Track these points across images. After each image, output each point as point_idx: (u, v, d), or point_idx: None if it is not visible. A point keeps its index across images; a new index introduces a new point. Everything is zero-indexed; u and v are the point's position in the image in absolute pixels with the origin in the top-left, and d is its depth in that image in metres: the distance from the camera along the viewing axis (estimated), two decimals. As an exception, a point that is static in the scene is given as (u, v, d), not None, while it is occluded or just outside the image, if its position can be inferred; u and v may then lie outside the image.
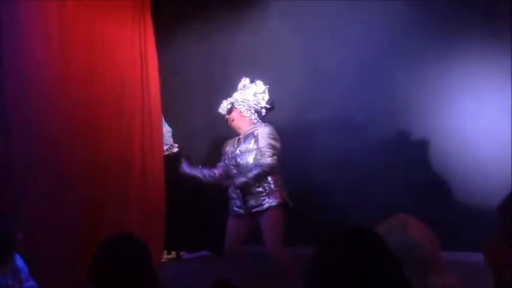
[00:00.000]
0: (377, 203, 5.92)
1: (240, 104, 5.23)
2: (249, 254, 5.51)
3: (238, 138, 5.22)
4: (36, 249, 4.71)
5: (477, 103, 5.95)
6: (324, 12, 6.56)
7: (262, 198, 4.97)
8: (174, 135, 6.82)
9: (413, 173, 6.14)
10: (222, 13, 7.04)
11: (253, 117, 5.22)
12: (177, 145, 6.80)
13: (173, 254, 6.71)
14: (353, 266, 1.53)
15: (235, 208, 5.14)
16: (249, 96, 5.26)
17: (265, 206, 4.96)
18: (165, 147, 6.64)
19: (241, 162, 5.06)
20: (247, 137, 5.13)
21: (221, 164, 5.34)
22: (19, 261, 4.19)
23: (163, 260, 6.38)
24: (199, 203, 6.81)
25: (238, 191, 5.02)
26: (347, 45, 6.43)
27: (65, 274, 5.03)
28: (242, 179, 4.93)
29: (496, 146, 5.79)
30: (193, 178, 5.48)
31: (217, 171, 5.36)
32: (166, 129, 6.72)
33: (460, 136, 5.98)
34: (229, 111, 5.25)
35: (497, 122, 5.80)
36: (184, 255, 6.71)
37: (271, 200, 4.97)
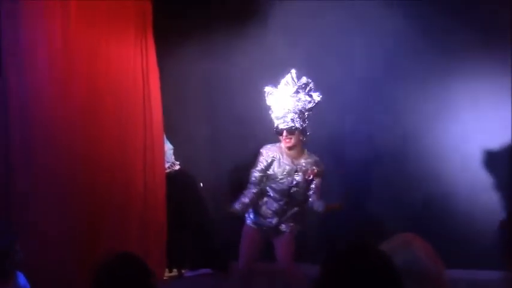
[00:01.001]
0: (377, 220, 5.94)
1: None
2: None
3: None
4: (37, 267, 4.69)
5: (478, 121, 5.98)
6: (325, 30, 6.60)
7: None
8: (175, 153, 6.82)
9: (415, 190, 6.15)
10: (222, 30, 7.08)
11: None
12: (178, 162, 6.80)
13: (175, 272, 6.67)
14: (359, 283, 1.55)
15: (264, 221, 5.04)
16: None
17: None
18: (167, 165, 6.64)
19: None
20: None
21: (254, 181, 5.07)
22: (21, 279, 4.17)
23: (164, 278, 6.35)
24: (201, 221, 6.80)
25: (276, 208, 4.97)
26: (348, 63, 6.47)
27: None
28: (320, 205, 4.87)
29: (496, 164, 5.81)
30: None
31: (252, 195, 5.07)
32: (168, 147, 6.72)
33: (462, 153, 5.99)
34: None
35: (498, 139, 5.83)
36: (186, 273, 6.68)
37: None
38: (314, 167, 4.92)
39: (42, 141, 5.17)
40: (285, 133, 4.94)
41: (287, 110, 4.97)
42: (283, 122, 4.95)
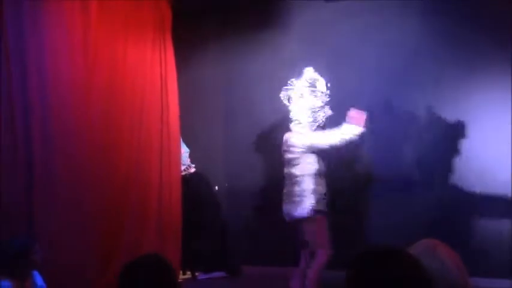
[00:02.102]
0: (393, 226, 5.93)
1: None
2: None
3: None
4: (54, 267, 4.72)
5: (497, 127, 5.95)
6: (339, 36, 6.61)
7: None
8: (191, 156, 6.85)
9: (432, 196, 6.14)
10: (241, 36, 7.11)
11: None
12: (194, 165, 6.83)
13: (188, 274, 6.69)
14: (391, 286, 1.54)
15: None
16: None
17: None
18: (183, 168, 6.67)
19: None
20: None
21: None
22: (38, 279, 4.21)
23: (178, 281, 6.36)
24: (215, 224, 6.82)
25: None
26: (364, 68, 6.46)
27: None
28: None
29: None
30: None
31: None
32: (184, 150, 6.76)
33: (481, 159, 5.98)
34: None
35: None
36: (200, 275, 6.69)
37: None
38: None
39: (62, 146, 5.19)
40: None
41: (303, 112, 5.16)
42: (297, 123, 5.18)
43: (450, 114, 6.17)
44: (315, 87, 5.22)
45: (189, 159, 6.83)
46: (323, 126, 5.20)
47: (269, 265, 6.63)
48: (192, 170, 6.84)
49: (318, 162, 5.07)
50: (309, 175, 5.03)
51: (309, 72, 5.31)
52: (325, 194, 5.05)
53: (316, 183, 5.02)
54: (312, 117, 5.15)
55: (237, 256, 6.80)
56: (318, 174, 5.05)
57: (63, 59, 5.23)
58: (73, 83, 5.30)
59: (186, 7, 6.82)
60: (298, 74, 5.36)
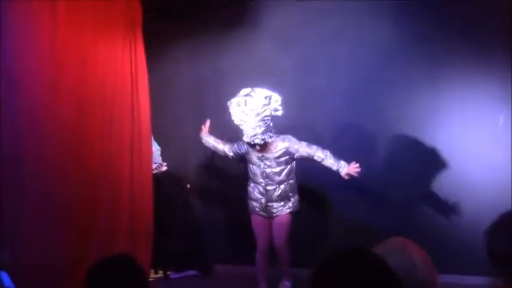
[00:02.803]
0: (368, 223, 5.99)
1: None
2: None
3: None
4: (23, 266, 4.66)
5: (466, 126, 6.04)
6: (314, 32, 6.63)
7: None
8: (163, 154, 6.82)
9: (403, 194, 6.20)
10: (211, 32, 7.08)
11: None
12: (165, 164, 6.80)
13: (160, 273, 6.66)
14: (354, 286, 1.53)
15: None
16: None
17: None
18: (154, 166, 6.64)
19: None
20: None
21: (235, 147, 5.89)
22: (6, 279, 4.14)
23: (150, 279, 6.33)
24: (187, 222, 6.80)
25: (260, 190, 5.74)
26: (336, 65, 6.49)
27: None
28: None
29: (487, 168, 5.88)
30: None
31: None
32: (155, 148, 6.72)
33: (450, 158, 6.06)
34: None
35: (488, 145, 5.89)
36: (172, 274, 6.66)
37: None
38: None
39: (31, 143, 5.15)
40: (257, 147, 5.54)
41: (253, 126, 5.36)
42: (251, 139, 5.40)
43: (422, 114, 6.24)
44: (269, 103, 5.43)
45: (160, 158, 6.79)
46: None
47: (241, 264, 6.63)
48: (164, 168, 6.80)
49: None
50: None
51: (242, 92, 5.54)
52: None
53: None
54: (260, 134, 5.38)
55: (209, 255, 6.79)
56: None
57: (29, 58, 5.17)
58: (40, 82, 5.25)
59: (156, 5, 6.76)
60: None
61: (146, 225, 6.24)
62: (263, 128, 5.33)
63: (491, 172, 5.88)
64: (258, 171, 5.62)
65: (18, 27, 5.11)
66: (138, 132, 6.34)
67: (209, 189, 7.17)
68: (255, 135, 5.34)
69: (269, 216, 5.70)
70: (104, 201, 5.92)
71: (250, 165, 5.71)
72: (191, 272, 6.69)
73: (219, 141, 6.06)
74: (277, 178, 5.57)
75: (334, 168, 5.44)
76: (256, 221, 5.79)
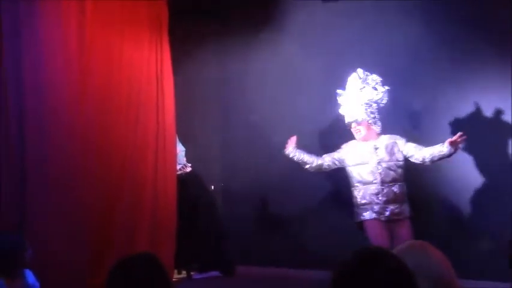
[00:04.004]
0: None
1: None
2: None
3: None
4: (47, 266, 4.71)
5: (490, 127, 5.94)
6: (339, 36, 6.59)
7: None
8: (187, 155, 6.84)
9: (427, 198, 6.11)
10: (237, 34, 7.10)
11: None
12: (190, 165, 6.81)
13: (183, 274, 6.67)
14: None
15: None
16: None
17: None
18: (178, 167, 6.65)
19: None
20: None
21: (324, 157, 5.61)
22: (30, 277, 4.19)
23: (173, 280, 6.34)
24: (211, 223, 6.80)
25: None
26: (363, 66, 6.40)
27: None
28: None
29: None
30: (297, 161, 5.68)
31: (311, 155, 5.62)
32: (180, 149, 6.74)
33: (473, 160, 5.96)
34: None
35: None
36: (195, 275, 6.67)
37: None
38: None
39: (57, 142, 5.20)
40: (353, 125, 5.38)
41: (353, 104, 5.35)
42: (350, 116, 5.37)
43: (449, 114, 6.15)
44: (364, 86, 5.43)
45: (185, 158, 6.81)
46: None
47: (263, 265, 6.63)
48: (188, 169, 6.81)
49: None
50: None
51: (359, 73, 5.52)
52: None
53: None
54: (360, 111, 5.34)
55: (231, 256, 6.79)
56: None
57: (58, 58, 5.25)
58: (68, 82, 5.31)
59: (183, 6, 6.79)
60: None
61: (169, 225, 6.25)
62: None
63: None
64: (369, 168, 5.28)
65: (46, 26, 5.20)
66: (163, 132, 6.37)
67: (233, 191, 7.17)
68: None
69: (388, 220, 5.24)
70: (127, 201, 5.94)
71: (357, 166, 5.36)
72: (214, 273, 6.69)
73: (311, 155, 5.64)
74: (392, 173, 5.26)
75: (442, 150, 5.11)
76: (374, 227, 5.24)
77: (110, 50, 5.85)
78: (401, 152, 5.29)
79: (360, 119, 5.30)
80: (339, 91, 5.51)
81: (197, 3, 7.11)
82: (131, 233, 5.88)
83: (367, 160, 5.29)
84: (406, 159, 5.32)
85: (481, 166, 5.94)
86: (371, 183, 5.25)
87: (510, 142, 5.82)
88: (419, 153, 5.22)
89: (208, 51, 7.38)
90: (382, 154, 5.27)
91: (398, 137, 5.38)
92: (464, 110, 6.06)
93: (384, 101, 5.41)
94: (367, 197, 5.25)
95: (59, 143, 5.22)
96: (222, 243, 6.78)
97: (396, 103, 6.29)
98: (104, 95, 5.74)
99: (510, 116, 5.80)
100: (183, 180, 6.67)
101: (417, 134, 6.16)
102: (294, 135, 5.74)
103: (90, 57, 5.56)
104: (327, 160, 5.53)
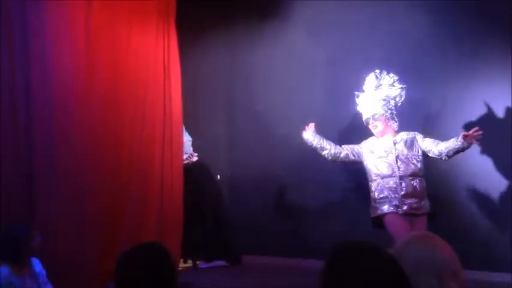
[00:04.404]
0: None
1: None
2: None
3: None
4: (55, 254, 4.74)
5: (497, 120, 5.91)
6: (345, 27, 6.57)
7: None
8: (194, 144, 6.85)
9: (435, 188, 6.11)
10: (244, 24, 7.09)
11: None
12: (196, 154, 6.83)
13: (189, 263, 6.71)
14: (362, 282, 1.57)
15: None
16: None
17: None
18: (185, 156, 6.67)
19: None
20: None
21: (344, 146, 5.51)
22: (37, 265, 4.24)
23: (179, 269, 6.38)
24: (217, 213, 6.82)
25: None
26: (369, 56, 6.41)
27: (83, 278, 5.08)
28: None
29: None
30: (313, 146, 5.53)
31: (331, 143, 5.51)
32: (187, 138, 6.76)
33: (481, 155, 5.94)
34: None
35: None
36: (201, 264, 6.71)
37: None
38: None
39: (65, 134, 5.24)
40: (370, 121, 5.32)
41: (370, 101, 5.33)
42: (367, 111, 5.33)
43: (456, 106, 6.12)
44: (381, 84, 5.39)
45: (191, 148, 6.82)
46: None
47: (270, 255, 6.65)
48: (195, 158, 6.83)
49: None
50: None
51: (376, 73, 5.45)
52: None
53: None
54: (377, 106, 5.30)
55: (238, 246, 6.81)
56: None
57: (65, 48, 5.28)
58: (75, 71, 5.35)
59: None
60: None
61: (176, 215, 6.28)
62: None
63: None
64: (388, 162, 5.20)
65: (54, 15, 5.22)
66: (170, 121, 6.38)
67: (239, 181, 7.18)
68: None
69: (406, 213, 5.12)
70: (134, 190, 5.97)
71: (376, 160, 5.28)
72: (220, 262, 6.72)
73: (330, 142, 5.52)
74: (412, 167, 5.17)
75: (457, 144, 5.01)
76: (394, 219, 5.12)
77: (117, 38, 5.86)
78: (420, 147, 5.24)
79: (377, 115, 5.27)
80: (357, 93, 5.48)
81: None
82: (139, 223, 5.91)
83: (386, 154, 5.24)
84: (425, 155, 5.28)
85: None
86: (390, 176, 5.18)
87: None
88: (436, 148, 5.14)
89: (214, 42, 7.37)
90: (401, 148, 5.22)
91: (416, 132, 5.34)
92: (473, 104, 6.03)
93: (402, 99, 5.38)
94: (385, 191, 5.17)
95: (66, 136, 5.25)
96: (228, 233, 6.81)
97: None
98: (111, 86, 5.76)
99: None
100: (190, 169, 6.69)
101: (428, 129, 6.17)
102: (312, 122, 5.66)
103: (97, 49, 5.59)
104: (345, 150, 5.46)
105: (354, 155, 5.44)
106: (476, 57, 5.97)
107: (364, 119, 5.38)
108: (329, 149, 5.46)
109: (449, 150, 5.08)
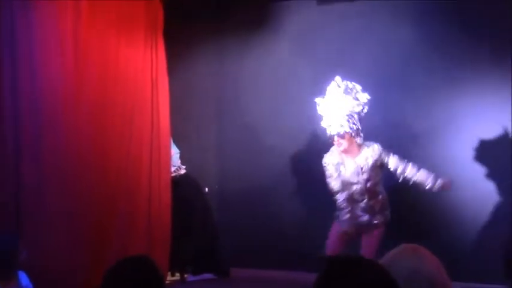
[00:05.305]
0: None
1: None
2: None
3: None
4: (42, 268, 4.70)
5: (484, 130, 5.95)
6: (333, 39, 6.60)
7: None
8: (182, 157, 6.83)
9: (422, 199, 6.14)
10: (232, 36, 7.10)
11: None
12: (184, 167, 6.81)
13: (177, 276, 6.67)
14: None
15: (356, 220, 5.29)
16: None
17: None
18: (173, 169, 6.65)
19: None
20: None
21: (337, 188, 5.32)
22: (24, 279, 4.18)
23: (167, 282, 6.34)
24: (205, 225, 6.80)
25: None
26: (356, 68, 6.44)
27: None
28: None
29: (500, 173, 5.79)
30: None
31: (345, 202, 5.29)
32: (174, 151, 6.73)
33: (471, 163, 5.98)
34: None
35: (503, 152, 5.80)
36: (189, 277, 6.67)
37: None
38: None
39: (51, 143, 5.20)
40: (335, 138, 5.16)
41: (335, 116, 5.15)
42: (332, 128, 5.15)
43: (441, 116, 6.16)
44: (345, 95, 5.22)
45: (179, 160, 6.80)
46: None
47: (258, 267, 6.63)
48: (183, 171, 6.81)
49: None
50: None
51: (337, 81, 5.31)
52: None
53: None
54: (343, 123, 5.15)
55: (226, 258, 6.79)
56: None
57: (53, 58, 5.25)
58: (63, 81, 5.32)
59: (178, 7, 6.79)
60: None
61: (163, 227, 6.24)
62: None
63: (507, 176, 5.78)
64: (354, 187, 5.18)
65: (42, 25, 5.20)
66: (157, 134, 6.36)
67: (227, 193, 7.17)
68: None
69: (358, 231, 5.23)
70: (121, 203, 5.93)
71: (341, 181, 5.21)
72: (208, 275, 6.69)
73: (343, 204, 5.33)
74: (372, 189, 5.19)
75: (427, 184, 5.09)
76: (337, 234, 5.30)
77: (106, 49, 5.83)
78: (385, 164, 5.21)
79: (342, 132, 5.13)
80: (317, 100, 5.32)
81: (192, 5, 7.12)
82: (126, 235, 5.87)
83: (354, 180, 5.18)
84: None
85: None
86: (351, 191, 5.18)
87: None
88: (400, 168, 5.16)
89: (202, 53, 7.37)
90: (368, 175, 5.16)
91: (379, 147, 5.23)
92: (459, 111, 6.08)
93: (365, 110, 5.24)
94: (346, 203, 5.20)
95: (54, 146, 5.21)
96: (216, 246, 6.78)
97: (388, 107, 6.34)
98: (98, 99, 5.71)
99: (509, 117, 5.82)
100: (177, 182, 6.67)
101: (410, 140, 6.21)
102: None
103: (85, 59, 5.55)
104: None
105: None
106: (463, 66, 6.04)
107: (328, 135, 5.24)
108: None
109: (414, 181, 5.14)
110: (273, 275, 6.50)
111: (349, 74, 6.40)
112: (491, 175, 5.90)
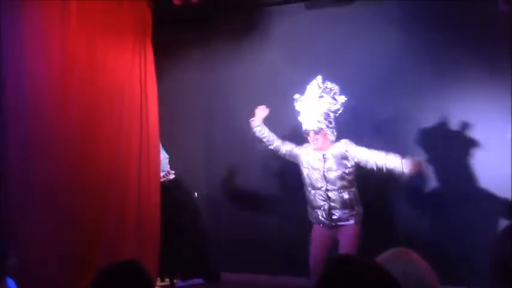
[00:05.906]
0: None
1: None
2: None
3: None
4: (30, 274, 4.67)
5: (474, 135, 5.99)
6: (324, 40, 6.62)
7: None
8: (171, 162, 6.82)
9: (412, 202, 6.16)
10: (221, 41, 7.10)
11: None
12: (173, 172, 6.80)
13: (167, 281, 6.65)
14: None
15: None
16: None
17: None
18: (162, 174, 6.64)
19: None
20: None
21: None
22: (12, 286, 4.15)
23: (156, 287, 6.32)
24: (194, 230, 6.79)
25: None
26: (345, 74, 6.46)
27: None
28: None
29: (496, 180, 5.81)
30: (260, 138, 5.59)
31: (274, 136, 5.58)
32: (164, 156, 6.73)
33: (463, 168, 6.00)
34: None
35: (497, 155, 5.82)
36: (178, 282, 6.65)
37: None
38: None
39: (39, 148, 5.18)
40: (311, 134, 5.29)
41: (312, 113, 5.28)
42: (309, 124, 5.28)
43: (430, 122, 6.19)
44: (323, 95, 5.33)
45: (168, 166, 6.80)
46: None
47: (248, 272, 6.62)
48: (172, 176, 6.81)
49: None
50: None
51: (318, 80, 5.43)
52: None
53: None
54: (320, 120, 5.27)
55: (215, 263, 6.78)
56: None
57: (40, 61, 5.24)
58: (50, 87, 5.30)
59: (167, 13, 6.78)
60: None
61: (153, 232, 6.22)
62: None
63: (502, 184, 5.80)
64: (317, 176, 5.28)
65: (29, 29, 5.18)
66: (147, 139, 6.34)
67: (216, 198, 7.16)
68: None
69: (332, 225, 5.28)
70: (111, 208, 5.91)
71: (308, 170, 5.36)
72: (197, 280, 6.68)
73: (274, 135, 5.60)
74: (339, 183, 5.24)
75: (397, 168, 5.12)
76: (317, 232, 5.40)
77: (93, 54, 5.81)
78: (353, 158, 5.27)
79: (317, 129, 5.26)
80: (296, 96, 5.45)
81: (180, 11, 7.10)
82: (115, 241, 5.84)
83: (316, 168, 5.31)
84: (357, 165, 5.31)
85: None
86: (319, 189, 5.28)
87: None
88: (372, 160, 5.21)
89: (191, 59, 7.37)
90: (330, 164, 5.25)
91: (347, 141, 5.34)
92: (448, 117, 6.11)
93: (340, 111, 5.35)
94: (316, 202, 5.30)
95: (41, 149, 5.19)
96: (206, 251, 6.78)
97: (377, 111, 6.36)
98: (87, 101, 5.70)
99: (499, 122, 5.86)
100: (167, 187, 6.66)
101: (398, 141, 6.23)
102: (264, 106, 5.72)
103: (73, 63, 5.54)
104: (286, 146, 5.55)
105: (291, 155, 5.55)
106: (450, 70, 6.07)
107: (303, 129, 5.35)
108: (271, 141, 5.57)
109: (387, 169, 5.17)
110: (263, 280, 6.49)
111: (338, 78, 6.45)
112: (482, 178, 5.94)
